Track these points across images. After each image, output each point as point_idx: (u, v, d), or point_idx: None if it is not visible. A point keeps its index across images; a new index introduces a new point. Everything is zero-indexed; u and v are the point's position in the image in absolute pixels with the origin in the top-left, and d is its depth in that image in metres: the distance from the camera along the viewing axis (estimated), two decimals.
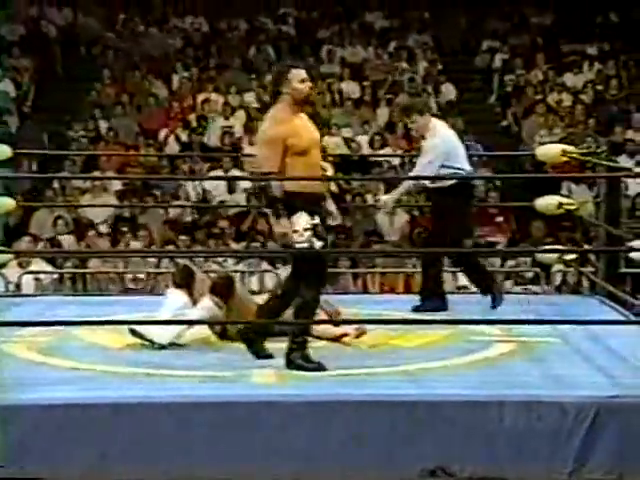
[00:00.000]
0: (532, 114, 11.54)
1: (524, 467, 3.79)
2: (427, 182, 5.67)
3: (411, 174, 5.80)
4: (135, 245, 8.98)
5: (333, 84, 12.21)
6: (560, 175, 4.80)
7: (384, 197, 5.80)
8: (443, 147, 5.58)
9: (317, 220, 4.27)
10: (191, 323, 4.69)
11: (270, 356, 4.39)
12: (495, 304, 5.47)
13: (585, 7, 13.27)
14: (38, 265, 8.24)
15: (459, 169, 5.55)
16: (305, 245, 4.23)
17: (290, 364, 4.24)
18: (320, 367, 4.23)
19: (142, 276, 8.28)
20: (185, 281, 4.82)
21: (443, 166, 5.53)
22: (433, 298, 5.48)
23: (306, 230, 4.23)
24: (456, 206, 5.55)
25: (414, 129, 5.80)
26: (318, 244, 4.26)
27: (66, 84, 12.23)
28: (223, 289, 4.72)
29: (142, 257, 8.61)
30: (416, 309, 5.45)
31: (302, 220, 4.24)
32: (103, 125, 11.46)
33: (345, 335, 4.75)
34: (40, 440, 3.70)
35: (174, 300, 4.76)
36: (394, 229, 9.83)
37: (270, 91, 4.38)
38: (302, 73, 4.28)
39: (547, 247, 7.61)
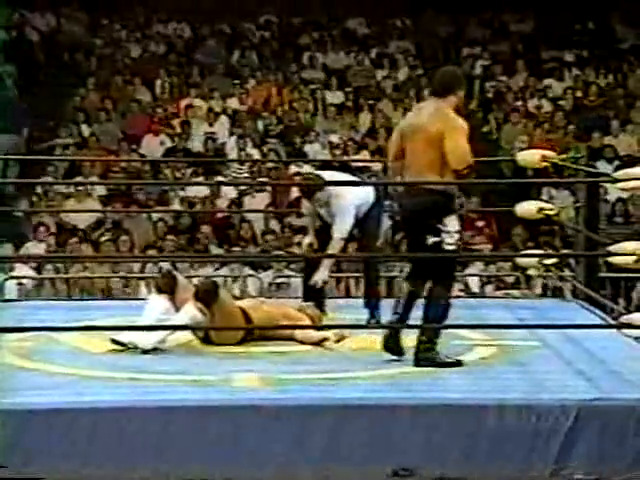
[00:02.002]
0: (511, 120, 11.62)
1: (504, 469, 3.82)
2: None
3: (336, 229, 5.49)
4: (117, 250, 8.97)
5: (315, 90, 12.25)
6: (540, 180, 4.84)
7: (316, 277, 5.44)
8: None
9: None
10: (176, 328, 4.71)
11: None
12: (375, 315, 5.39)
13: (564, 15, 13.38)
14: (21, 270, 8.23)
15: None
16: (454, 247, 4.37)
17: (423, 360, 4.32)
18: (457, 362, 4.36)
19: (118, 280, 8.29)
20: (168, 287, 4.83)
21: None
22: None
23: (456, 233, 4.38)
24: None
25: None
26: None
27: (49, 90, 12.20)
28: (207, 295, 4.73)
29: (126, 262, 8.61)
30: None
31: (455, 222, 4.38)
32: (86, 131, 11.45)
33: (326, 340, 4.78)
34: (22, 444, 3.70)
35: (156, 305, 4.78)
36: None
37: (438, 85, 4.48)
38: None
39: (527, 252, 7.66)
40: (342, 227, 5.35)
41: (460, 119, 4.41)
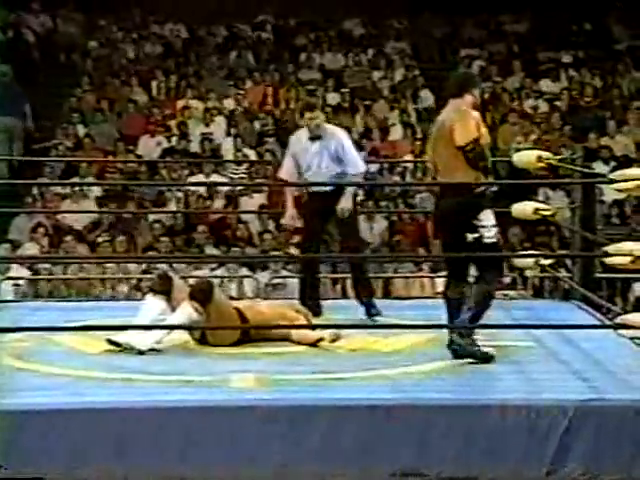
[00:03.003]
0: (507, 121, 11.64)
1: (500, 469, 3.82)
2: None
3: (353, 164, 5.63)
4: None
5: (312, 91, 12.25)
6: (536, 181, 4.85)
7: (342, 204, 5.61)
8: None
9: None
10: (173, 328, 4.71)
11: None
12: (373, 312, 5.48)
13: (560, 15, 13.39)
14: (17, 271, 8.23)
15: None
16: (494, 240, 4.48)
17: (460, 352, 4.40)
18: (490, 356, 4.41)
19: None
20: (164, 288, 4.83)
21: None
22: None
23: (493, 227, 4.48)
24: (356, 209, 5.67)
25: (314, 124, 5.61)
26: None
27: (45, 90, 12.19)
28: (202, 295, 4.73)
29: (122, 263, 8.61)
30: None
31: (490, 217, 4.49)
32: (82, 131, 11.44)
33: (321, 340, 4.79)
34: (19, 445, 3.70)
35: (152, 306, 4.78)
36: (373, 235, 9.88)
37: (453, 86, 4.61)
38: None
39: (523, 252, 7.67)
40: (357, 162, 5.54)
41: (473, 112, 4.52)
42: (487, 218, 4.49)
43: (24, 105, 11.47)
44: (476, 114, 4.54)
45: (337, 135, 5.67)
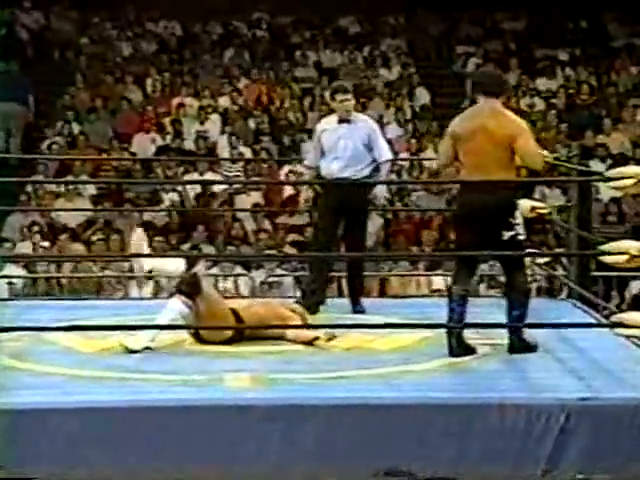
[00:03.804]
0: None
1: (496, 469, 3.81)
2: (362, 172, 5.51)
3: (385, 150, 5.62)
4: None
5: (307, 89, 12.24)
6: (533, 179, 4.84)
7: (378, 189, 5.64)
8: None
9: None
10: (170, 328, 4.69)
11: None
12: (359, 309, 5.51)
13: (557, 13, 13.39)
14: (11, 269, 8.20)
15: None
16: (524, 238, 4.59)
17: (520, 347, 4.52)
18: (535, 346, 4.57)
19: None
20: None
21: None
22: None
23: (523, 225, 4.60)
24: (367, 201, 5.63)
25: (344, 108, 5.55)
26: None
27: (39, 88, 12.16)
28: (189, 288, 4.73)
29: (117, 261, 8.60)
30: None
31: (520, 216, 4.61)
32: (76, 129, 11.41)
33: (317, 339, 4.77)
34: (13, 445, 3.68)
35: (173, 307, 4.72)
36: (369, 233, 9.85)
37: (493, 85, 4.62)
38: None
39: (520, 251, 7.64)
40: (387, 149, 5.58)
41: (520, 119, 4.61)
42: (519, 216, 4.61)
43: (28, 94, 11.51)
44: (524, 122, 4.61)
45: (369, 122, 5.63)
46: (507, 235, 4.52)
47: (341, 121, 5.54)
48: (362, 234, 5.68)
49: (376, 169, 5.56)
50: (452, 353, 4.51)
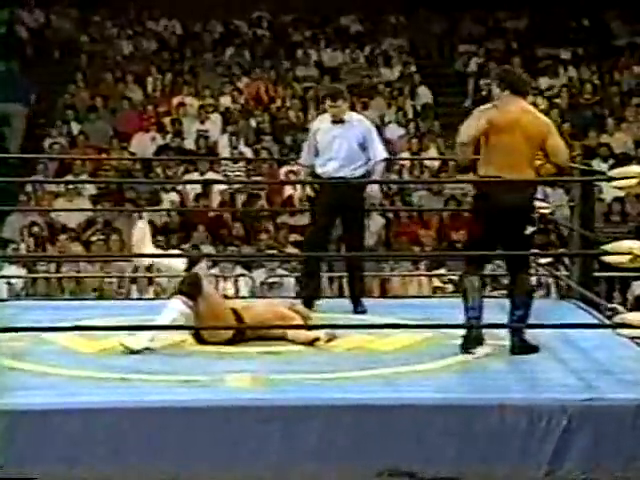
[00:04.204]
0: None
1: (498, 469, 3.80)
2: (358, 170, 5.54)
3: (380, 150, 5.65)
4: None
5: (308, 88, 12.22)
6: (535, 179, 4.82)
7: (372, 189, 5.67)
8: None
9: None
10: (168, 328, 4.67)
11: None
12: (361, 309, 5.53)
13: (559, 12, 13.37)
14: (11, 270, 8.19)
15: None
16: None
17: (521, 348, 4.53)
18: (536, 348, 4.58)
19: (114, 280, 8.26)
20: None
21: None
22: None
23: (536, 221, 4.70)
24: (363, 201, 5.63)
25: (337, 113, 5.59)
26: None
27: (39, 87, 12.15)
28: (190, 288, 4.71)
29: (117, 261, 8.58)
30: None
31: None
32: (76, 128, 11.39)
33: (317, 339, 4.75)
34: (13, 445, 3.67)
35: (174, 307, 4.71)
36: (370, 233, 9.83)
37: (522, 84, 4.65)
38: None
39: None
40: (382, 149, 5.60)
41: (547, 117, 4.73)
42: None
43: (29, 94, 11.53)
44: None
45: (364, 122, 5.67)
46: (530, 230, 4.59)
47: (335, 121, 5.57)
48: (360, 234, 5.68)
49: (371, 169, 5.57)
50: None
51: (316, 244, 5.57)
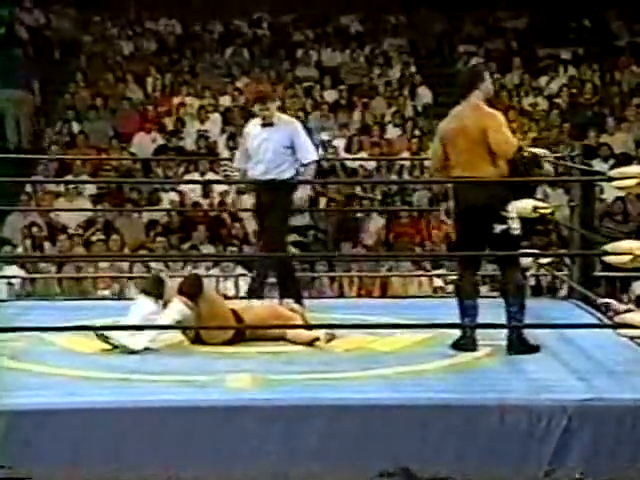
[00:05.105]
0: (507, 118, 11.58)
1: (498, 469, 3.79)
2: (272, 175, 5.55)
3: (309, 152, 5.65)
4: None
5: (309, 88, 12.22)
6: (535, 179, 4.83)
7: (300, 193, 5.70)
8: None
9: None
10: (168, 328, 4.67)
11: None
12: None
13: (559, 11, 13.36)
14: (10, 270, 8.18)
15: None
16: (519, 233, 4.60)
17: (519, 347, 4.50)
18: (536, 348, 4.53)
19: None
20: (155, 290, 4.77)
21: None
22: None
23: (519, 218, 4.60)
24: (289, 202, 5.63)
25: (266, 116, 5.63)
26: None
27: (39, 87, 12.14)
28: (191, 289, 4.72)
29: (117, 262, 8.58)
30: None
31: (514, 210, 4.58)
32: (76, 128, 11.39)
33: (317, 339, 4.75)
34: (13, 445, 3.67)
35: (143, 306, 4.72)
36: (370, 233, 9.83)
37: (460, 87, 4.72)
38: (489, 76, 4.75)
39: (522, 251, 7.62)
40: (311, 150, 5.58)
41: (493, 110, 4.63)
42: (513, 211, 4.58)
43: (33, 80, 11.56)
44: (496, 113, 4.62)
45: (293, 124, 5.69)
46: (498, 228, 4.53)
47: (264, 125, 5.63)
48: (280, 235, 5.69)
49: (300, 171, 5.61)
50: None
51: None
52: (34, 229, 9.31)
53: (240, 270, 8.43)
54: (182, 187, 10.20)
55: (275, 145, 5.56)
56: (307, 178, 5.60)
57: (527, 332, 4.66)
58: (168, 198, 10.06)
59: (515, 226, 4.57)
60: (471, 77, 4.74)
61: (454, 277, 8.14)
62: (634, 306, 5.62)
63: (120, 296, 7.77)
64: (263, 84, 6.10)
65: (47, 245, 9.23)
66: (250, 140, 5.65)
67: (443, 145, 4.67)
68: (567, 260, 6.73)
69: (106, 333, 4.59)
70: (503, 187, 4.58)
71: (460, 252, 4.75)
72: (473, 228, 4.60)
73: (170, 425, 3.75)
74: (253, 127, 5.70)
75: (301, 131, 5.67)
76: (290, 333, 4.83)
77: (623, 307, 5.22)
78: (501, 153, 4.56)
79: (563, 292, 6.83)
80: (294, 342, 4.80)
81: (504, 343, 4.67)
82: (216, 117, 11.61)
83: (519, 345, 4.56)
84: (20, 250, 8.93)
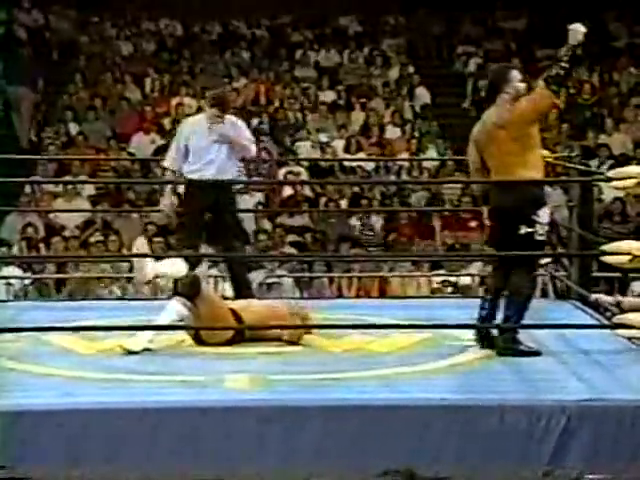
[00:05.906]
0: None
1: (497, 469, 3.79)
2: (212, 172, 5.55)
3: (250, 149, 5.69)
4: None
5: (307, 88, 12.22)
6: (534, 180, 4.82)
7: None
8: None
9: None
10: (168, 328, 4.66)
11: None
12: None
13: (558, 12, 13.36)
14: (9, 270, 8.17)
15: None
16: (543, 238, 4.55)
17: (506, 350, 4.46)
18: (536, 351, 4.48)
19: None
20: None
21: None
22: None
23: (547, 224, 4.57)
24: (235, 202, 5.68)
25: (218, 119, 5.61)
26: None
27: (38, 87, 12.14)
28: (189, 289, 4.71)
29: (115, 262, 8.57)
30: None
31: (547, 215, 4.56)
32: (75, 129, 11.39)
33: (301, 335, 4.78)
34: (12, 446, 3.67)
35: (172, 309, 4.70)
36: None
37: (486, 93, 4.70)
38: (518, 74, 4.60)
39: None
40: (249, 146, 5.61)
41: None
42: (544, 215, 4.54)
43: (37, 77, 11.58)
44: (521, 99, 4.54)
45: (235, 122, 5.67)
46: (523, 230, 4.51)
47: (210, 124, 5.60)
48: (232, 233, 5.70)
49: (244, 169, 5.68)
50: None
51: (190, 246, 5.60)
52: (29, 230, 9.30)
53: None
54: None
55: (221, 145, 5.56)
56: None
57: (527, 333, 4.65)
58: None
59: (540, 232, 4.53)
60: (495, 80, 4.65)
61: (452, 279, 8.20)
62: (631, 298, 5.61)
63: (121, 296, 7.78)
64: (224, 91, 6.08)
65: (42, 246, 9.22)
66: (195, 140, 5.59)
67: (479, 152, 4.65)
68: (566, 260, 6.73)
69: (121, 342, 4.57)
70: (537, 189, 4.57)
71: (461, 252, 4.74)
72: (502, 230, 4.58)
73: (169, 425, 3.75)
74: (196, 126, 5.64)
75: (243, 128, 5.70)
76: (287, 333, 4.83)
77: (610, 299, 5.24)
78: (541, 110, 4.50)
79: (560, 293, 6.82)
80: (291, 342, 4.80)
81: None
82: None
83: (506, 347, 4.51)
84: (15, 251, 8.92)
